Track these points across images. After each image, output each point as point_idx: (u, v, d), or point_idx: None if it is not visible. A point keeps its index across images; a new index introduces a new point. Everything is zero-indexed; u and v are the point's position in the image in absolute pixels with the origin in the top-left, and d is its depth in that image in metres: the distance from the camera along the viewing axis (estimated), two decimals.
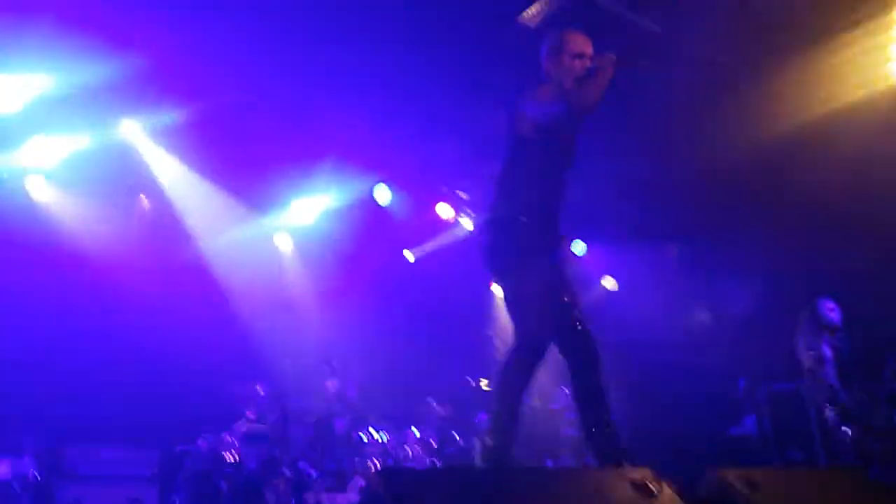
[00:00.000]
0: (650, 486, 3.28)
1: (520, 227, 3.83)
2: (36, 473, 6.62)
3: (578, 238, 10.12)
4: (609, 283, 10.72)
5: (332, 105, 7.84)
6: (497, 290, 7.78)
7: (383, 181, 9.41)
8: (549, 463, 7.54)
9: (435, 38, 6.99)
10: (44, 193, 8.21)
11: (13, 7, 6.27)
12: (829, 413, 6.83)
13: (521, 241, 3.83)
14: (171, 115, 7.78)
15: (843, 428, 6.70)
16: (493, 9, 6.72)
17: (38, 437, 7.14)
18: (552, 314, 3.79)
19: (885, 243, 7.85)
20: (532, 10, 6.70)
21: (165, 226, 8.95)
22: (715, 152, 8.22)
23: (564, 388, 7.65)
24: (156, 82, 7.30)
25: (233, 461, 7.00)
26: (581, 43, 3.93)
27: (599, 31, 4.10)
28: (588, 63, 3.87)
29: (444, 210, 9.93)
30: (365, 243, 9.41)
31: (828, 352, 6.95)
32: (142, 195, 8.83)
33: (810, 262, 8.26)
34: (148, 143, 8.29)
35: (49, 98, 7.11)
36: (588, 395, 3.83)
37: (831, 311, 7.18)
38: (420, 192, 9.81)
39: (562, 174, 3.97)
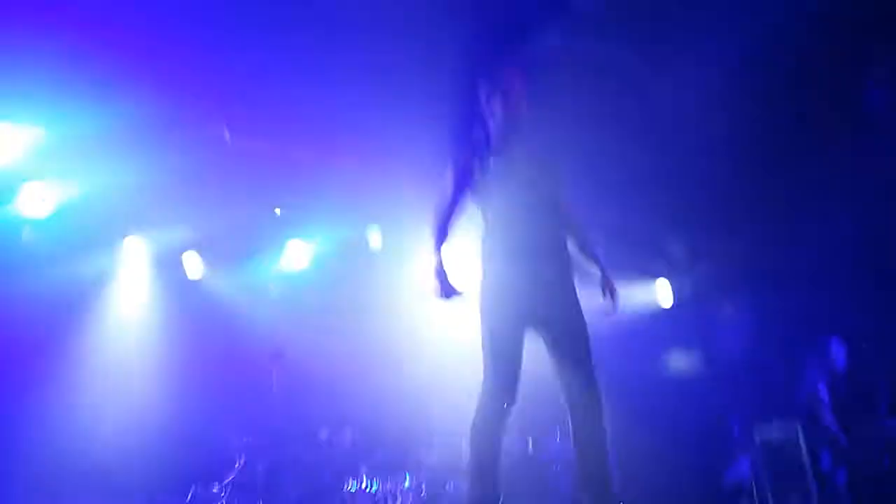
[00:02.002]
0: None
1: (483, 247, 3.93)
2: None
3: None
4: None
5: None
6: None
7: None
8: None
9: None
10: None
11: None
12: (826, 457, 6.81)
13: (496, 277, 3.86)
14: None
15: (839, 472, 6.67)
16: None
17: (25, 485, 7.08)
18: (512, 357, 3.76)
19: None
20: None
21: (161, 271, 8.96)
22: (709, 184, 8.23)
23: (556, 438, 7.60)
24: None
25: None
26: (512, 79, 4.14)
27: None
28: (518, 100, 4.11)
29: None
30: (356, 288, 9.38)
31: (825, 395, 6.94)
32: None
33: (808, 300, 8.23)
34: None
35: (44, 147, 7.06)
36: (588, 445, 3.76)
37: (837, 354, 7.18)
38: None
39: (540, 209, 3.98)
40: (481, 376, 3.80)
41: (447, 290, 3.78)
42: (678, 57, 6.94)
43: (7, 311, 7.39)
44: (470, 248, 4.08)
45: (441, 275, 3.80)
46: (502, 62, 4.32)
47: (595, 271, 4.14)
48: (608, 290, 4.08)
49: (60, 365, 7.93)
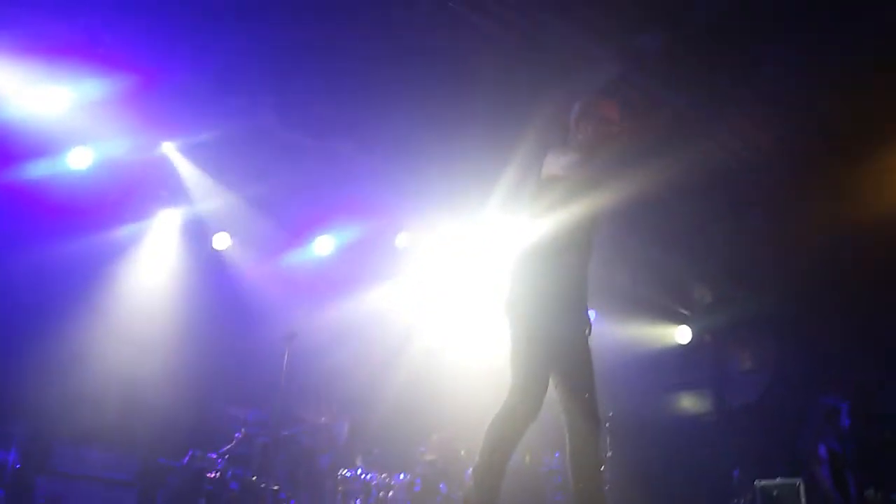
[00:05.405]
0: None
1: (534, 283, 3.89)
2: (17, 464, 6.60)
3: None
4: None
5: None
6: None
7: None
8: None
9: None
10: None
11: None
12: None
13: (530, 296, 3.89)
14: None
15: None
16: None
17: (27, 430, 7.17)
18: (542, 374, 3.81)
19: None
20: None
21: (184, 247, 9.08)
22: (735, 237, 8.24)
23: (556, 453, 7.57)
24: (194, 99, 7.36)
25: (215, 481, 6.94)
26: (610, 109, 4.09)
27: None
28: (615, 130, 4.02)
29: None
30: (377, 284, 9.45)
31: (824, 453, 6.89)
32: None
33: (820, 360, 8.18)
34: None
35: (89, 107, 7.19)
36: (584, 467, 3.81)
37: (841, 413, 7.13)
38: None
39: (580, 239, 4.00)
40: (496, 387, 3.89)
41: None
42: (729, 112, 7.02)
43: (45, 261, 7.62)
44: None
45: None
46: (595, 90, 4.26)
47: None
48: None
49: (82, 318, 8.05)
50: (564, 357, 3.88)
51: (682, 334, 10.37)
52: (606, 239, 4.41)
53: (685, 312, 10.35)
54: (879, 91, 6.25)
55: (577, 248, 4.00)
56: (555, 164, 4.00)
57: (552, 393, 3.89)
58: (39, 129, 7.28)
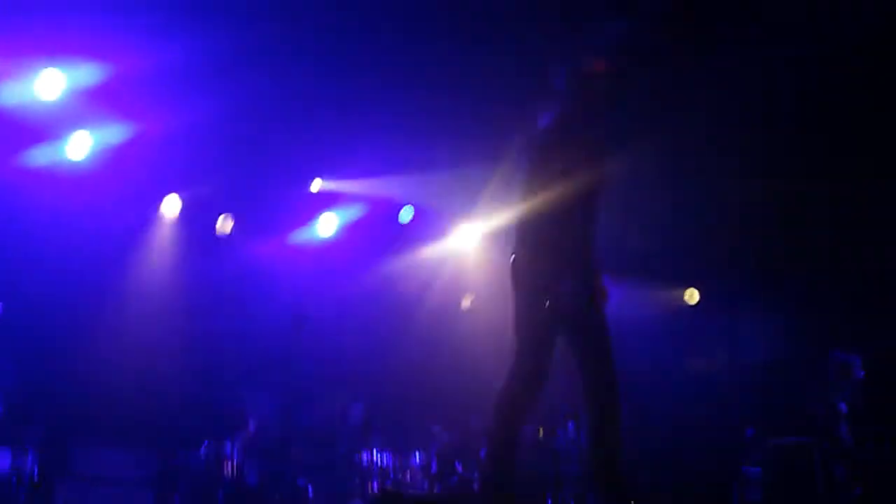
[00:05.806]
0: None
1: (535, 248, 3.86)
2: (35, 469, 6.61)
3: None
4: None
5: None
6: None
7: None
8: (549, 499, 7.45)
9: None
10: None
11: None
12: (840, 470, 6.74)
13: (531, 261, 3.86)
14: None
15: (853, 485, 6.60)
16: None
17: (44, 432, 7.19)
18: (544, 338, 3.79)
19: None
20: None
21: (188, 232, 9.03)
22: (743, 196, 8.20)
23: (570, 423, 7.59)
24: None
25: (232, 473, 6.97)
26: (593, 63, 4.05)
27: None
28: (598, 82, 4.02)
29: None
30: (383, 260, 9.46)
31: (844, 408, 6.88)
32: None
33: (831, 314, 8.18)
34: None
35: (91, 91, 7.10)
36: (601, 435, 3.79)
37: (855, 367, 7.12)
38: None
39: (582, 202, 3.96)
40: (506, 359, 3.84)
41: None
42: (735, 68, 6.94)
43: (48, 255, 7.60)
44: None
45: None
46: (579, 44, 4.22)
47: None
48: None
49: (91, 312, 8.06)
50: (570, 322, 3.83)
51: (691, 295, 10.39)
52: (615, 200, 4.35)
53: (695, 272, 10.32)
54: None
55: (580, 211, 3.94)
56: (545, 117, 4.02)
57: (564, 365, 3.88)
58: (34, 116, 7.23)
